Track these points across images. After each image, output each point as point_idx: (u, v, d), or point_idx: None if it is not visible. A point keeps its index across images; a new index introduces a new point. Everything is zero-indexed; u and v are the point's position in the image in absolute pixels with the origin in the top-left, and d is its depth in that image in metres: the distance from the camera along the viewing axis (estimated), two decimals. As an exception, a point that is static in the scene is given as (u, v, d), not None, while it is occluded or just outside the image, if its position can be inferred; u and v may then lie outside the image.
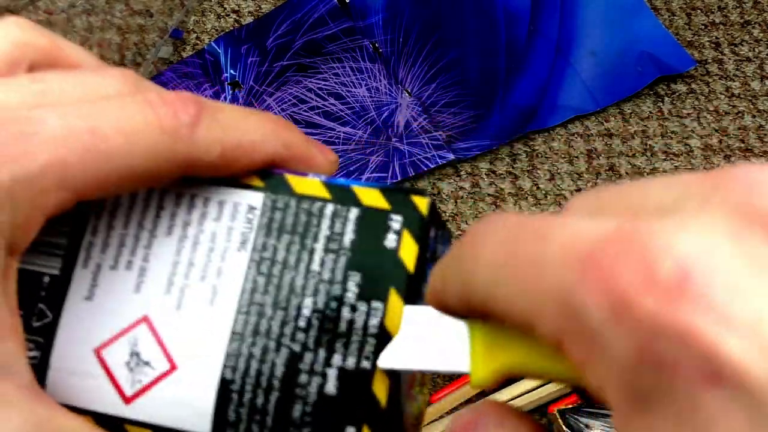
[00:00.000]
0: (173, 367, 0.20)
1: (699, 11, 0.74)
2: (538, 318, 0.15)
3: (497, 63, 0.71)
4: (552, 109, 0.69)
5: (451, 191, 0.65)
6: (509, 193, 0.65)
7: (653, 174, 0.66)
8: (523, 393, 0.55)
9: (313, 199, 0.21)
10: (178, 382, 0.20)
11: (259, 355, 0.20)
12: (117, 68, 0.21)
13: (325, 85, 0.68)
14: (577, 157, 0.67)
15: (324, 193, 0.21)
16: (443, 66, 0.70)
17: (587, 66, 0.71)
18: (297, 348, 0.20)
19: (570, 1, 0.73)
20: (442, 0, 0.73)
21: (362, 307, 0.20)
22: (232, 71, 0.69)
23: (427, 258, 0.22)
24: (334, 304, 0.20)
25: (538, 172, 0.66)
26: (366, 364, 0.20)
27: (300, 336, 0.20)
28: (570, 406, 0.52)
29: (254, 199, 0.21)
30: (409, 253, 0.21)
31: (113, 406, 0.20)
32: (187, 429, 0.20)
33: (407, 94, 0.68)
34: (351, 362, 0.20)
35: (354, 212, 0.21)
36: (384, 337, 0.20)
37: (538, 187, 0.65)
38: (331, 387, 0.20)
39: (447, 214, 0.64)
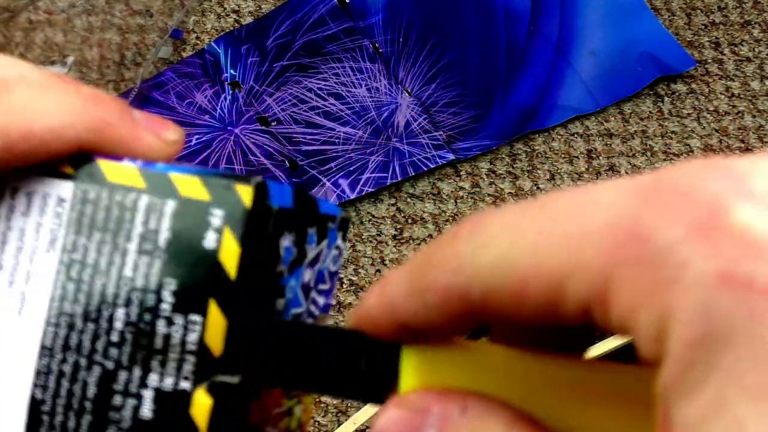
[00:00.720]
0: None
1: (699, 11, 0.74)
2: (577, 265, 0.13)
3: (497, 63, 0.71)
4: (552, 109, 0.69)
5: (451, 191, 0.65)
6: (509, 193, 0.65)
7: (653, 174, 0.66)
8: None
9: (127, 189, 0.18)
10: None
11: (70, 373, 0.18)
12: None
13: (325, 85, 0.68)
14: (577, 157, 0.67)
15: (139, 182, 0.18)
16: (443, 66, 0.70)
17: (587, 66, 0.71)
18: (110, 366, 0.18)
19: (570, 1, 0.73)
20: (442, 0, 0.73)
21: (179, 320, 0.18)
22: (232, 71, 0.69)
23: (271, 260, 0.19)
24: (148, 317, 0.18)
25: (538, 172, 0.66)
26: (185, 384, 0.18)
27: (113, 352, 0.18)
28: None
29: (64, 189, 0.19)
30: (230, 255, 0.18)
31: None
32: None
33: (407, 94, 0.68)
34: (168, 383, 0.18)
35: (170, 205, 0.18)
36: (204, 354, 0.18)
37: (538, 187, 0.65)
38: (146, 410, 0.18)
39: (447, 214, 0.64)
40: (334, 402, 0.56)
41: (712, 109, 0.70)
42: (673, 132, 0.68)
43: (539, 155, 0.67)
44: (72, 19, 0.71)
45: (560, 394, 0.16)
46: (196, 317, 0.18)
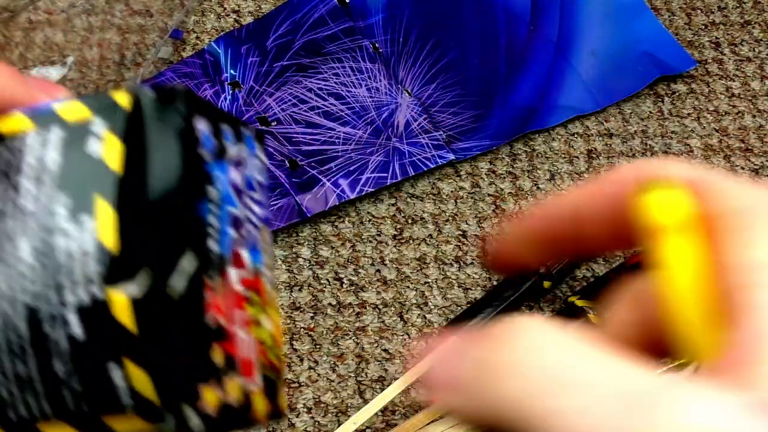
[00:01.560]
0: None
1: (699, 11, 0.74)
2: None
3: (497, 63, 0.71)
4: (552, 109, 0.69)
5: (451, 191, 0.65)
6: (509, 193, 0.65)
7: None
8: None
9: (17, 135, 0.19)
10: None
11: (1, 323, 0.18)
12: None
13: (325, 85, 0.68)
14: (577, 157, 0.67)
15: (28, 125, 0.19)
16: (443, 66, 0.70)
17: (587, 66, 0.71)
18: (29, 300, 0.18)
19: (570, 1, 0.73)
20: (442, 0, 0.73)
21: (72, 227, 0.18)
22: (232, 71, 0.69)
23: (171, 156, 0.19)
24: (47, 237, 0.18)
25: (538, 172, 0.66)
26: (96, 290, 0.17)
27: (28, 285, 0.18)
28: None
29: None
30: (113, 153, 0.18)
31: None
32: None
33: (407, 94, 0.68)
34: (83, 295, 0.18)
35: (56, 132, 0.19)
36: (102, 252, 0.17)
37: (538, 187, 0.65)
38: (77, 330, 0.18)
39: (447, 214, 0.64)
40: (334, 402, 0.56)
41: (712, 109, 0.70)
42: (673, 132, 0.68)
43: (539, 155, 0.67)
44: (72, 19, 0.71)
45: None
46: (85, 217, 0.18)
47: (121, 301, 0.17)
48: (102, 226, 0.18)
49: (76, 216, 0.18)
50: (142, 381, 0.17)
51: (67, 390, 0.18)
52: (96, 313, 0.17)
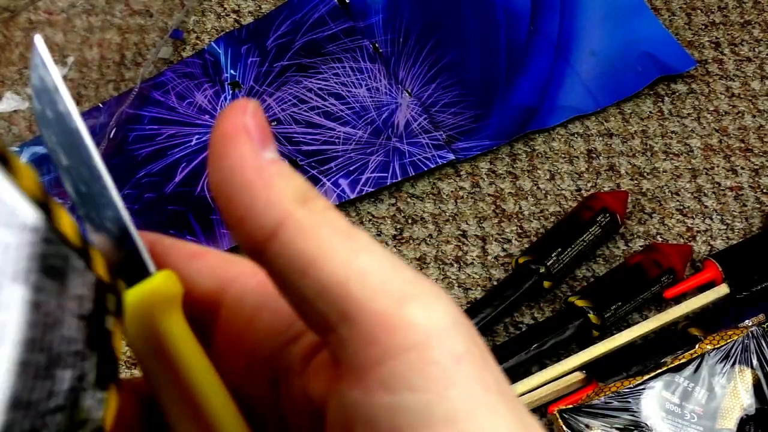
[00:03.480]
0: None
1: (699, 11, 0.74)
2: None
3: (497, 63, 0.71)
4: (552, 109, 0.69)
5: (451, 191, 0.65)
6: (509, 193, 0.65)
7: (653, 174, 0.66)
8: (522, 393, 0.55)
9: (68, 243, 0.16)
10: None
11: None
12: None
13: (325, 85, 0.68)
14: (577, 157, 0.67)
15: (76, 239, 0.16)
16: (443, 66, 0.70)
17: (587, 66, 0.71)
18: None
19: (570, 1, 0.73)
20: (442, 0, 0.73)
21: (98, 395, 0.16)
22: (232, 71, 0.69)
23: None
24: (78, 387, 0.16)
25: (538, 172, 0.66)
26: None
27: (58, 419, 0.15)
28: (570, 406, 0.52)
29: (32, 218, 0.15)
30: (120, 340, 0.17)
31: None
32: None
33: (407, 94, 0.68)
34: None
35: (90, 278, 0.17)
36: None
37: (538, 187, 0.65)
38: None
39: (447, 214, 0.64)
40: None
41: (712, 109, 0.70)
42: (673, 132, 0.68)
43: (539, 155, 0.67)
44: (72, 19, 0.71)
45: None
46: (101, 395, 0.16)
47: None
48: (107, 415, 0.17)
49: (100, 386, 0.17)
50: None
51: None
52: None
